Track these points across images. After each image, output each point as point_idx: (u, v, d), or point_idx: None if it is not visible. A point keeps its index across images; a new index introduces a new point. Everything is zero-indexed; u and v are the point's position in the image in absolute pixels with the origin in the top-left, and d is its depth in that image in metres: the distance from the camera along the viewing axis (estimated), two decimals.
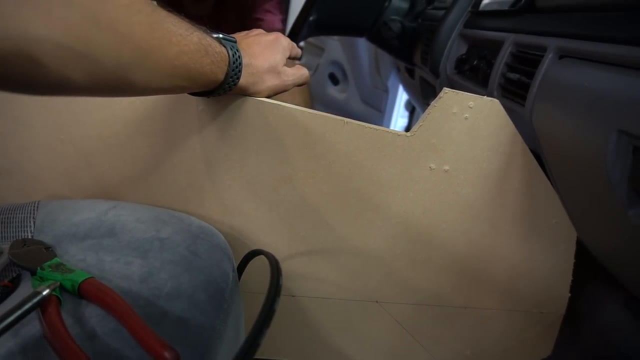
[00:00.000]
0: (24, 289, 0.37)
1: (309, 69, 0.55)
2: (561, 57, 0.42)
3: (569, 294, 0.54)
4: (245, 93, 0.46)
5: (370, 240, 0.52)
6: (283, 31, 1.21)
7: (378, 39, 1.06)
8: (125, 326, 0.32)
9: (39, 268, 0.36)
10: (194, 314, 0.36)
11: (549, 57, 0.43)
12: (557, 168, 0.43)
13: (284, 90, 0.49)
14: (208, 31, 0.39)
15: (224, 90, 0.41)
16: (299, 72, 0.50)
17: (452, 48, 0.74)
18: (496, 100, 0.46)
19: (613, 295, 0.52)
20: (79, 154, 0.50)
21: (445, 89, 0.46)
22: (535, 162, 0.48)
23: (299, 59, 0.55)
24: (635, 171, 0.31)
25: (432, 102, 0.46)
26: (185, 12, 0.36)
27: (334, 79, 1.71)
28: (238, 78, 0.42)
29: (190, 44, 0.35)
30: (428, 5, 0.98)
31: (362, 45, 1.46)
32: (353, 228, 0.51)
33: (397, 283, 0.54)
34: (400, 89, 1.45)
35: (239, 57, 0.41)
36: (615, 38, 0.35)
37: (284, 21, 1.39)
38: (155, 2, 0.32)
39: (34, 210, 0.46)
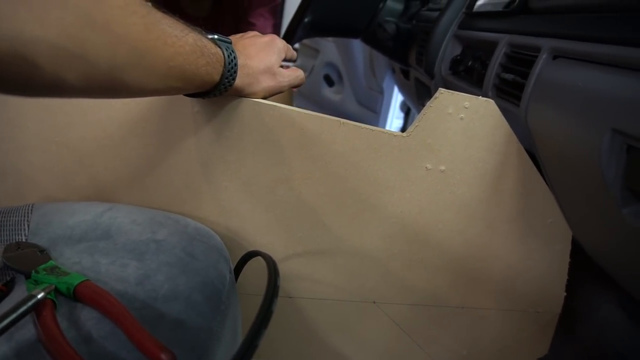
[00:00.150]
0: (19, 293, 0.37)
1: (304, 70, 0.55)
2: (555, 57, 0.42)
3: (565, 293, 0.54)
4: (240, 94, 0.46)
5: (367, 241, 0.52)
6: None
7: (373, 40, 1.06)
8: (122, 329, 0.31)
9: (33, 271, 0.36)
10: (191, 315, 0.36)
11: (543, 58, 0.43)
12: (552, 168, 0.44)
13: (280, 92, 0.49)
14: (203, 32, 0.39)
15: (219, 91, 0.41)
16: (295, 74, 0.51)
17: (447, 49, 0.74)
18: (491, 101, 0.46)
19: (608, 294, 0.53)
20: (73, 156, 0.50)
21: (441, 90, 0.46)
22: (530, 162, 0.48)
23: (294, 61, 0.56)
24: (630, 170, 0.31)
25: (428, 103, 0.47)
26: (182, 14, 0.36)
27: (329, 81, 1.71)
28: (234, 79, 0.42)
29: (186, 45, 0.34)
30: (422, 6, 0.98)
31: (357, 46, 1.47)
32: (350, 229, 0.51)
33: (394, 283, 0.54)
34: (396, 90, 1.46)
35: (234, 58, 0.41)
36: (609, 38, 0.35)
37: (277, 26, 1.39)
38: (150, 4, 0.32)
39: (28, 213, 0.45)
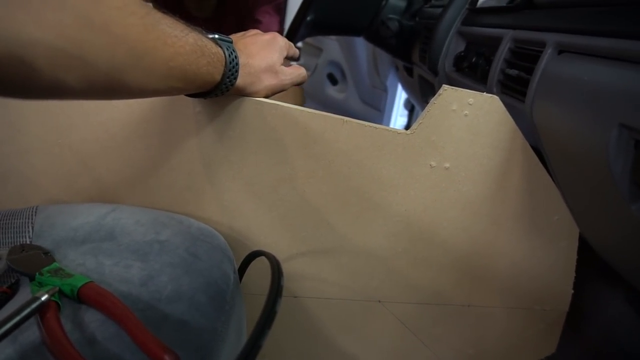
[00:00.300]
0: (23, 295, 0.37)
1: (307, 69, 0.55)
2: (560, 52, 0.42)
3: (572, 291, 0.53)
4: (242, 93, 0.45)
5: (372, 240, 0.52)
6: (280, 32, 1.21)
7: (376, 38, 1.06)
8: (126, 330, 0.31)
9: (37, 273, 0.36)
10: (195, 316, 0.36)
11: (548, 53, 0.42)
12: (558, 164, 0.43)
13: (282, 90, 0.49)
14: (204, 32, 0.39)
15: (221, 91, 0.41)
16: (297, 72, 0.50)
17: (450, 46, 0.73)
18: (496, 97, 0.46)
19: (616, 291, 0.52)
20: (76, 158, 0.50)
21: (445, 86, 0.45)
22: (536, 158, 0.47)
23: (297, 59, 0.55)
24: (638, 165, 0.30)
25: (432, 100, 0.46)
26: (186, 15, 0.36)
27: (332, 79, 1.71)
28: (235, 78, 0.41)
29: (186, 45, 0.34)
30: (425, 3, 0.98)
31: (360, 44, 1.46)
32: (354, 227, 0.51)
33: (399, 282, 0.54)
34: (399, 87, 1.45)
35: (235, 57, 0.41)
36: (615, 32, 0.34)
37: (282, 22, 1.39)
38: (150, 4, 0.32)
39: (32, 215, 0.45)
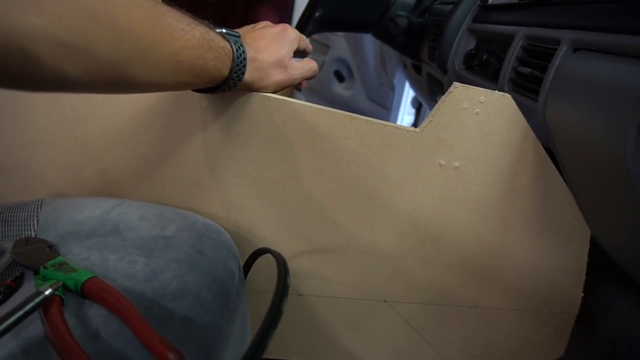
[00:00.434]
0: (27, 288, 0.37)
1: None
2: (575, 49, 0.41)
3: (582, 294, 0.52)
4: (251, 88, 0.45)
5: (379, 238, 0.51)
6: (289, 15, 1.20)
7: (384, 35, 1.05)
8: (129, 327, 0.31)
9: (41, 267, 0.36)
10: (199, 313, 0.35)
11: (562, 50, 0.41)
12: (571, 164, 0.42)
13: (292, 84, 0.48)
14: (211, 26, 0.38)
15: (228, 86, 0.40)
16: (307, 66, 0.49)
17: (461, 43, 0.72)
18: (508, 95, 0.45)
19: (627, 295, 0.51)
20: (82, 151, 0.50)
21: (456, 84, 0.45)
22: (547, 159, 0.46)
23: (308, 53, 0.54)
24: None
25: (442, 97, 0.45)
26: (194, 1, 0.36)
27: (339, 76, 1.70)
28: (243, 73, 0.41)
29: (193, 38, 0.34)
30: (435, 0, 0.97)
31: (368, 41, 1.45)
32: (361, 226, 0.51)
33: (405, 282, 0.53)
34: (407, 85, 1.44)
35: (243, 51, 0.40)
36: (632, 29, 0.34)
37: (291, 5, 1.36)
38: None
39: (37, 208, 0.45)
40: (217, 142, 0.48)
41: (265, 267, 0.46)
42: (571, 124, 0.38)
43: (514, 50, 0.51)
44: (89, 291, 0.34)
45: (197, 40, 0.34)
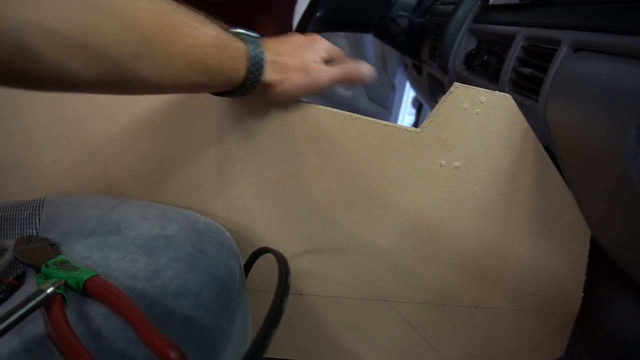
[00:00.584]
0: (29, 287, 0.37)
1: None
2: (576, 50, 0.41)
3: (582, 294, 0.52)
4: (270, 92, 0.41)
5: (379, 238, 0.51)
6: (290, 17, 1.17)
7: (385, 35, 1.05)
8: (131, 325, 0.31)
9: (43, 265, 0.36)
10: (200, 312, 0.35)
11: (563, 51, 0.41)
12: (571, 165, 0.42)
13: (317, 89, 0.43)
14: (226, 26, 0.36)
15: (246, 88, 0.38)
16: (339, 69, 0.44)
17: (461, 43, 0.72)
18: (508, 95, 0.45)
19: (628, 295, 0.51)
20: (84, 150, 0.50)
21: (456, 84, 0.45)
22: (548, 159, 0.47)
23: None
24: None
25: (443, 97, 0.45)
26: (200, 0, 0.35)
27: None
28: (260, 74, 0.38)
29: (206, 36, 0.32)
30: (436, 0, 0.97)
31: (369, 41, 1.45)
32: (362, 226, 0.51)
33: (406, 282, 0.53)
34: (407, 86, 1.44)
35: (260, 52, 0.38)
36: (634, 29, 0.34)
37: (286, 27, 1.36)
38: None
39: (39, 207, 0.45)
40: (219, 141, 0.48)
41: (266, 267, 0.46)
42: (572, 124, 0.38)
43: (514, 50, 0.51)
44: (91, 289, 0.34)
45: (210, 38, 0.33)
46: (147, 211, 0.45)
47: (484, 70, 0.63)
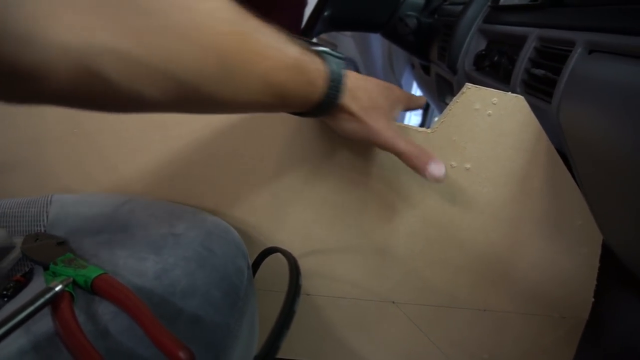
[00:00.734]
0: (37, 284, 0.37)
1: None
2: (591, 51, 0.40)
3: (592, 299, 0.52)
4: (341, 119, 0.38)
5: (388, 240, 0.51)
6: (300, 19, 1.16)
7: (393, 35, 1.04)
8: (139, 324, 0.31)
9: (51, 263, 0.36)
10: (209, 312, 0.35)
11: (577, 52, 0.41)
12: (585, 167, 0.42)
13: (375, 141, 0.39)
14: (309, 46, 0.34)
15: (320, 110, 0.36)
16: (411, 147, 0.39)
17: (471, 44, 0.72)
18: (521, 97, 0.45)
19: (637, 300, 0.51)
20: (92, 148, 0.50)
21: (468, 85, 0.44)
22: (560, 161, 0.46)
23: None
24: None
25: (454, 98, 0.45)
26: None
27: None
28: (336, 99, 0.35)
29: (286, 59, 0.30)
30: (444, 0, 0.96)
31: (376, 41, 1.45)
32: (370, 227, 0.50)
33: (414, 284, 0.53)
34: (414, 86, 1.43)
35: (340, 75, 0.35)
36: None
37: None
38: (245, 10, 0.28)
39: (47, 204, 0.45)
40: (227, 139, 0.48)
41: (273, 266, 0.45)
42: (585, 126, 0.38)
43: (526, 51, 0.51)
44: (99, 288, 0.34)
45: (291, 61, 0.31)
46: (155, 209, 0.45)
47: (494, 71, 0.63)
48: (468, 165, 0.47)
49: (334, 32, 1.56)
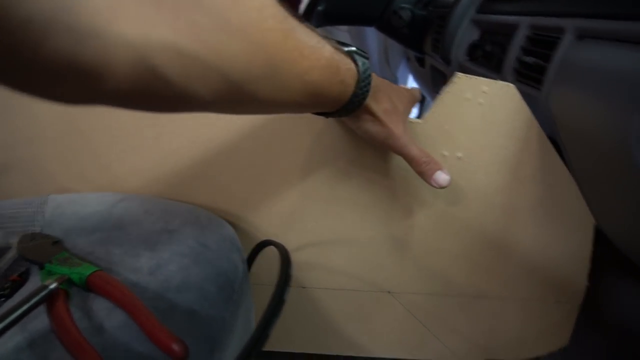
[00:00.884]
0: (33, 283, 0.37)
1: None
2: (580, 37, 0.40)
3: (587, 283, 0.52)
4: (363, 120, 0.39)
5: (382, 229, 0.51)
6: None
7: (388, 28, 1.04)
8: (134, 319, 0.31)
9: (47, 262, 0.36)
10: (204, 306, 0.36)
11: (567, 39, 0.41)
12: (576, 153, 0.42)
13: (391, 146, 0.40)
14: (337, 45, 0.34)
15: (346, 110, 0.36)
16: (422, 155, 0.41)
17: (464, 34, 0.72)
18: (511, 85, 0.45)
19: (633, 284, 0.51)
20: (87, 147, 0.50)
21: (458, 74, 0.44)
22: (552, 148, 0.46)
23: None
24: None
25: (445, 87, 0.45)
26: None
27: None
28: (364, 98, 0.35)
29: (322, 58, 0.30)
30: None
31: (371, 35, 1.44)
32: (364, 217, 0.50)
33: (409, 273, 0.53)
34: (410, 78, 1.43)
35: (369, 75, 0.35)
36: (638, 15, 0.33)
37: None
38: (285, 7, 0.27)
39: (42, 204, 0.45)
40: (221, 135, 0.48)
41: (269, 260, 0.46)
42: (576, 112, 0.38)
43: (518, 40, 0.51)
44: (94, 284, 0.34)
45: (326, 60, 0.30)
46: (149, 206, 0.45)
47: (486, 61, 0.63)
48: (460, 154, 0.47)
49: (329, 27, 1.56)
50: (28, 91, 0.19)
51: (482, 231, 0.50)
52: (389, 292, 0.54)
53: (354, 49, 0.36)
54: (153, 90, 0.21)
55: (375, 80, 0.37)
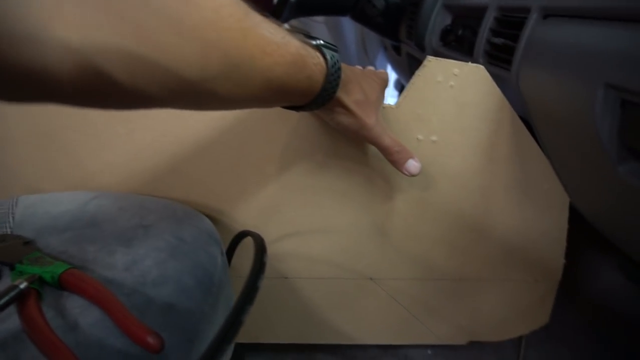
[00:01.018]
0: (3, 285, 0.36)
1: None
2: (545, 16, 0.41)
3: (564, 261, 0.53)
4: (337, 112, 0.39)
5: (360, 216, 0.51)
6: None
7: (362, 17, 1.04)
8: (109, 314, 0.31)
9: (17, 263, 0.35)
10: (181, 299, 0.35)
11: (533, 18, 0.41)
12: (546, 131, 0.42)
13: (366, 136, 0.41)
14: (305, 39, 0.34)
15: (316, 104, 0.36)
16: (395, 145, 0.42)
17: (437, 20, 0.72)
18: (481, 67, 0.45)
19: (608, 259, 0.52)
20: (57, 146, 0.49)
21: (429, 57, 0.44)
22: (524, 128, 0.47)
23: None
24: (624, 125, 0.30)
25: (417, 72, 0.45)
26: None
27: None
28: (334, 92, 0.35)
29: (287, 54, 0.30)
30: None
31: (348, 26, 1.44)
32: (342, 205, 0.51)
33: (390, 259, 0.54)
34: (389, 68, 1.43)
35: (338, 69, 0.35)
36: None
37: None
38: (246, 4, 0.27)
39: (12, 206, 0.44)
40: (194, 128, 0.48)
41: (249, 253, 0.45)
42: (543, 90, 0.38)
43: (487, 22, 0.51)
44: (67, 282, 0.33)
45: (291, 56, 0.30)
46: (124, 202, 0.45)
47: (459, 45, 0.63)
48: (434, 138, 0.47)
49: (304, 18, 1.55)
50: None
51: (460, 214, 0.51)
52: (371, 278, 0.55)
53: (322, 42, 0.35)
54: (102, 90, 0.21)
55: (346, 71, 0.37)
